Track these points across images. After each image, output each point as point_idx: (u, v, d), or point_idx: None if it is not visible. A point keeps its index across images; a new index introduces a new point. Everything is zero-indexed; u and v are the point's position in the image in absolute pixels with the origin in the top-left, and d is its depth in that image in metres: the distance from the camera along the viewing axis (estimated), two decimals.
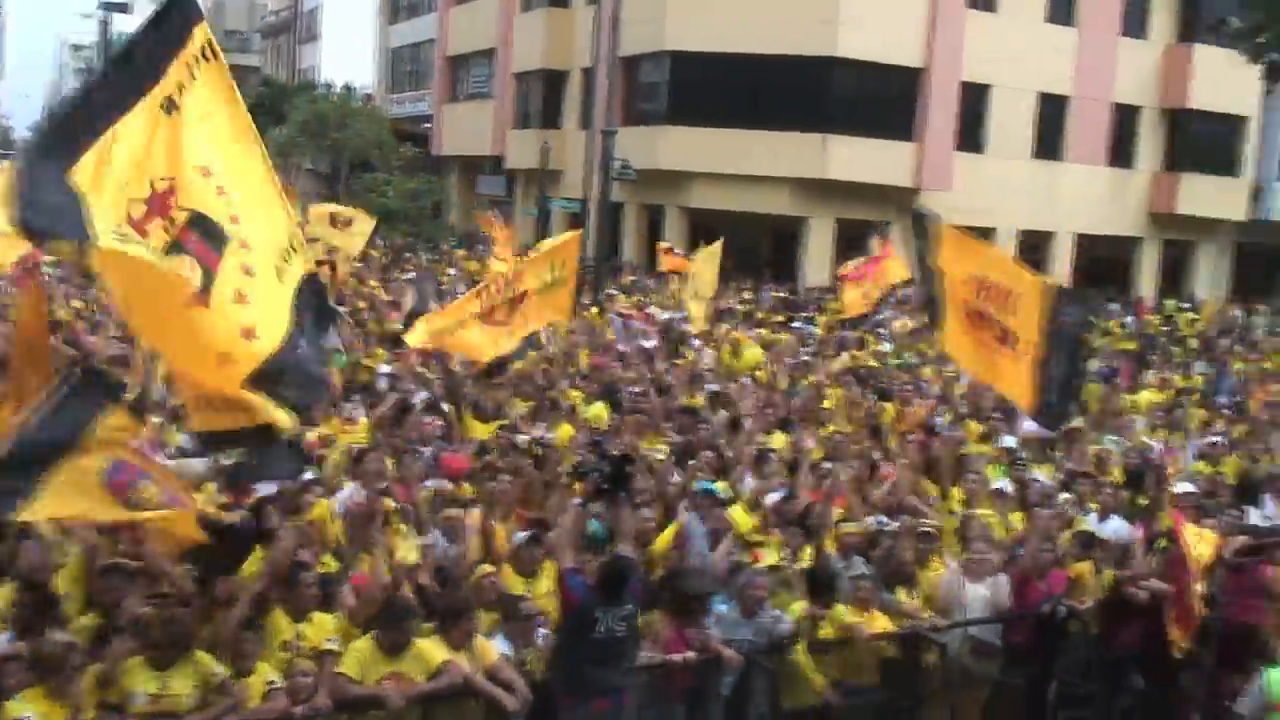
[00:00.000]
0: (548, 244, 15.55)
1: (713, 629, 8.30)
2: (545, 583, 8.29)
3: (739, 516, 10.07)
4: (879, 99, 36.13)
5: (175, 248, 6.15)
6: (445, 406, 12.25)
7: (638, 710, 7.81)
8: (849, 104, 35.71)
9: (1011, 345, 10.03)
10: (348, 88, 58.13)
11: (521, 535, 8.78)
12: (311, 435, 10.67)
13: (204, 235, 6.30)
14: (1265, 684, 6.99)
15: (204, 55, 6.45)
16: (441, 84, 55.67)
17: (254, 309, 6.47)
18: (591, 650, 7.32)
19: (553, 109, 44.91)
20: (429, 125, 56.20)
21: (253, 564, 7.76)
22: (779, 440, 12.49)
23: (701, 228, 38.43)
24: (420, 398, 12.65)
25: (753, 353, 18.27)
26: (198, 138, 6.37)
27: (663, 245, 24.05)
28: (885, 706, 9.05)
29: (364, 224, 18.05)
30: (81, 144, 5.70)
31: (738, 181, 36.20)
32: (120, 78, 6.09)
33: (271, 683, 6.99)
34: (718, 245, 21.23)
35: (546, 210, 39.02)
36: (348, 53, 67.58)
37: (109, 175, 5.77)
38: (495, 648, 7.61)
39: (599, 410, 13.52)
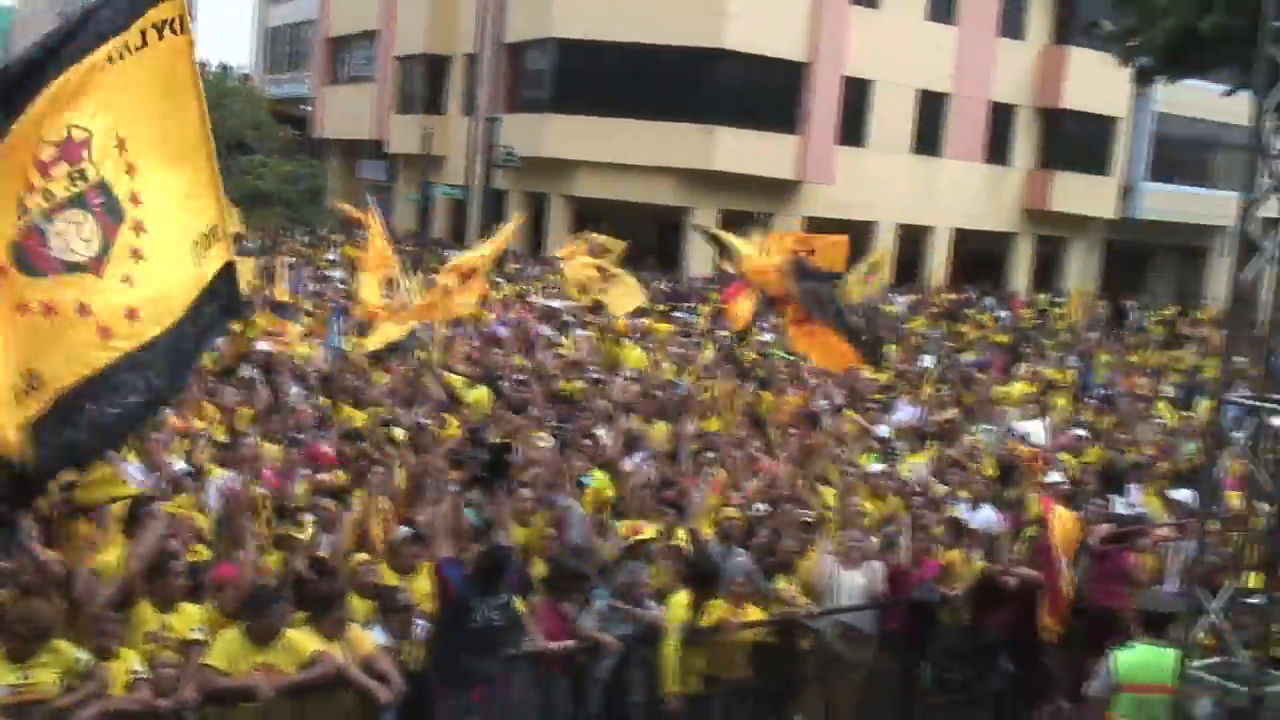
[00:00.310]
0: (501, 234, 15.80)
1: (591, 620, 8.28)
2: (423, 581, 8.12)
3: (600, 482, 10.12)
4: (764, 91, 36.48)
5: (78, 201, 5.96)
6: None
7: (519, 696, 7.82)
8: (734, 95, 35.99)
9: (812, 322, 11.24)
10: (224, 67, 56.78)
11: (403, 530, 8.60)
12: (175, 420, 10.42)
13: (105, 205, 6.11)
14: (1112, 665, 7.20)
15: (171, 28, 6.25)
16: (322, 65, 54.79)
17: (139, 292, 6.27)
18: (468, 640, 7.29)
19: (436, 94, 44.40)
20: (308, 107, 55.23)
21: (117, 550, 7.54)
22: (660, 430, 12.53)
23: (586, 216, 38.53)
24: (295, 389, 12.43)
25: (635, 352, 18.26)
26: (126, 105, 6.17)
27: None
28: (760, 692, 9.13)
29: None
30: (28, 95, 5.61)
31: (623, 171, 36.25)
32: (84, 32, 5.94)
33: (135, 672, 6.77)
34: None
35: (429, 196, 38.65)
36: (224, 32, 66.12)
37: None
38: (371, 638, 7.47)
39: (480, 394, 13.43)
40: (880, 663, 9.53)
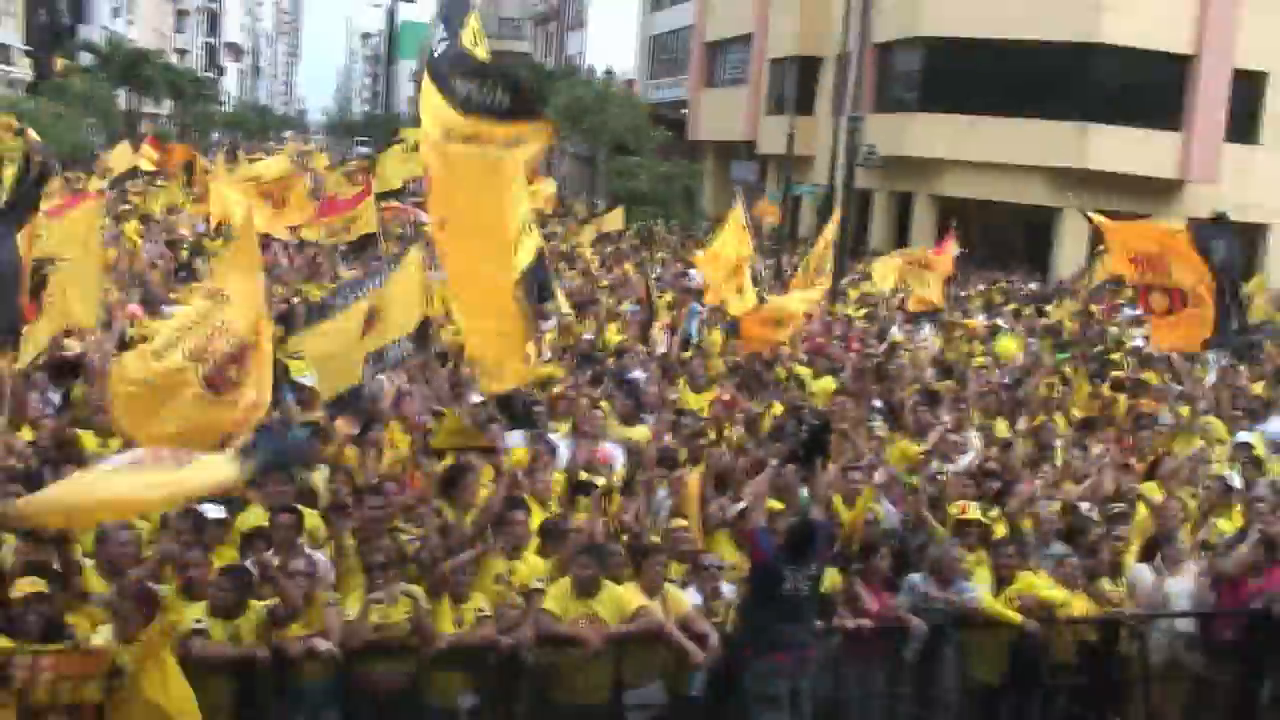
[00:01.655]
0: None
1: (904, 597, 8.51)
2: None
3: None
4: (1143, 86, 34.78)
5: None
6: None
7: (829, 669, 8.16)
8: (1111, 91, 34.51)
9: (1194, 304, 10.49)
10: (608, 73, 59.54)
11: (738, 505, 9.03)
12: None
13: None
14: None
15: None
16: (698, 70, 56.42)
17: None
18: (778, 606, 7.64)
19: (807, 95, 44.96)
20: (686, 111, 57.06)
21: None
22: (1001, 427, 12.52)
23: (951, 216, 37.98)
24: (638, 375, 13.24)
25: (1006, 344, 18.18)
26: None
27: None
28: (1082, 691, 9.07)
29: None
30: None
31: (990, 170, 35.55)
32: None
33: (481, 610, 7.59)
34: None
35: (795, 196, 39.19)
36: (612, 40, 69.12)
37: None
38: (687, 598, 8.01)
39: (826, 384, 13.81)
40: (1210, 673, 9.21)
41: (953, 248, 19.65)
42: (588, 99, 51.62)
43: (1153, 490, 10.74)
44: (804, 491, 8.77)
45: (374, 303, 9.42)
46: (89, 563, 7.50)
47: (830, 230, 16.67)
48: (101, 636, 6.67)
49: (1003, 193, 35.72)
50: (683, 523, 8.72)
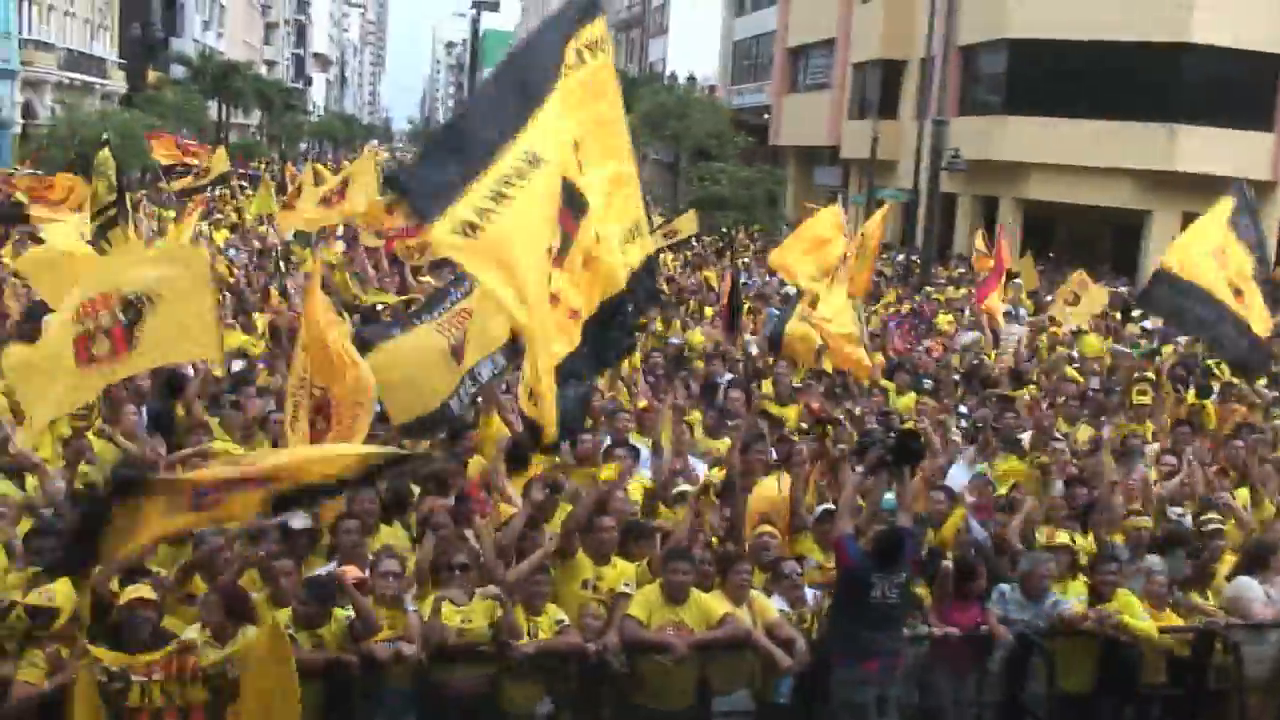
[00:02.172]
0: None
1: (994, 608, 8.48)
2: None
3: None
4: (1234, 86, 34.05)
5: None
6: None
7: (918, 676, 8.15)
8: (1201, 92, 33.84)
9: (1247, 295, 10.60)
10: (690, 79, 59.62)
11: (821, 508, 9.08)
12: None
13: (567, 202, 7.02)
14: None
15: (599, 48, 7.24)
16: (781, 75, 56.32)
17: (582, 278, 7.22)
18: (865, 614, 7.64)
19: (890, 99, 44.69)
20: (768, 116, 56.98)
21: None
22: (1084, 432, 12.41)
23: (1038, 220, 37.54)
24: (725, 378, 13.29)
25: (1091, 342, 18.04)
26: (572, 114, 7.08)
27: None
28: (1172, 701, 8.96)
29: None
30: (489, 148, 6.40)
31: (1077, 173, 35.07)
32: (528, 75, 6.86)
33: (560, 621, 7.64)
34: None
35: (879, 200, 38.96)
36: (694, 45, 69.21)
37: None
38: (773, 605, 8.04)
39: (908, 401, 13.77)
40: None
41: (1006, 247, 19.65)
42: (670, 105, 51.76)
43: (1244, 498, 10.62)
44: (890, 496, 8.78)
45: (457, 320, 9.45)
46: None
47: (873, 228, 16.46)
48: (193, 635, 6.85)
49: (1090, 196, 35.20)
50: (767, 528, 8.76)
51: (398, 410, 9.45)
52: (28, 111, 51.32)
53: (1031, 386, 14.56)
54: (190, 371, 11.22)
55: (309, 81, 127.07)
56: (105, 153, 16.35)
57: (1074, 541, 9.32)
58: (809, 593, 8.30)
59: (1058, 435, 11.79)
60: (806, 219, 17.65)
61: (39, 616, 6.62)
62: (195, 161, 28.71)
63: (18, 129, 48.26)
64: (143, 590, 6.92)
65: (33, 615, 6.63)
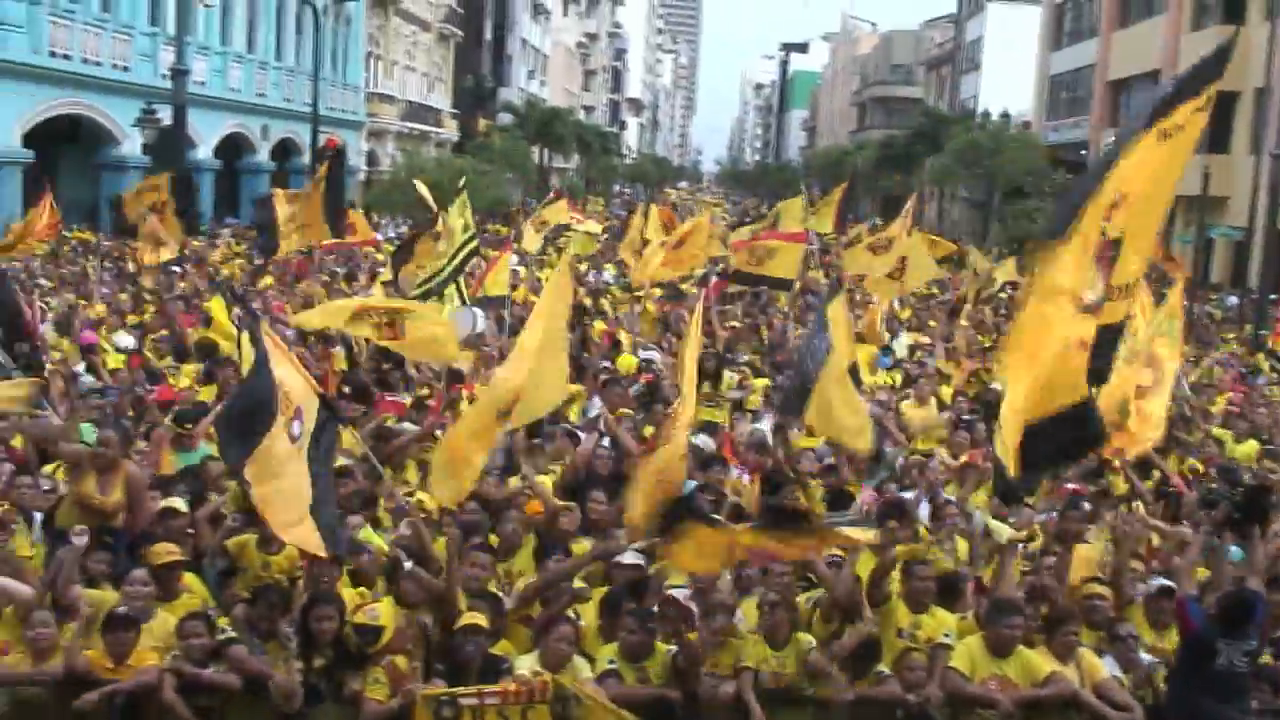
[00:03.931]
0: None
1: None
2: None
3: None
4: None
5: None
6: None
7: None
8: None
9: None
10: (1005, 115, 58.14)
11: (1156, 581, 8.58)
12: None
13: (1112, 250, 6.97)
14: None
15: (1204, 108, 7.17)
16: (1101, 109, 54.14)
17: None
18: (1209, 682, 7.21)
19: (1222, 132, 42.11)
20: (1085, 152, 54.83)
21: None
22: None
23: None
24: None
25: None
26: (1151, 169, 7.07)
27: None
28: None
29: None
30: None
31: None
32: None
33: (880, 671, 7.49)
34: None
35: (1208, 239, 36.85)
36: (1007, 81, 67.57)
37: None
38: (1104, 666, 7.65)
39: (1249, 449, 12.95)
40: None
41: None
42: (983, 141, 50.63)
43: None
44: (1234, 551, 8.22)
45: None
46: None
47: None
48: (527, 664, 7.07)
49: None
50: (1099, 589, 8.34)
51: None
52: (371, 159, 55.34)
53: None
54: None
55: (623, 125, 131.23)
56: (463, 197, 16.63)
57: None
58: (1145, 658, 7.85)
59: None
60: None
61: (365, 635, 7.06)
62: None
63: (362, 175, 51.93)
64: (477, 618, 7.23)
65: (360, 634, 7.06)
